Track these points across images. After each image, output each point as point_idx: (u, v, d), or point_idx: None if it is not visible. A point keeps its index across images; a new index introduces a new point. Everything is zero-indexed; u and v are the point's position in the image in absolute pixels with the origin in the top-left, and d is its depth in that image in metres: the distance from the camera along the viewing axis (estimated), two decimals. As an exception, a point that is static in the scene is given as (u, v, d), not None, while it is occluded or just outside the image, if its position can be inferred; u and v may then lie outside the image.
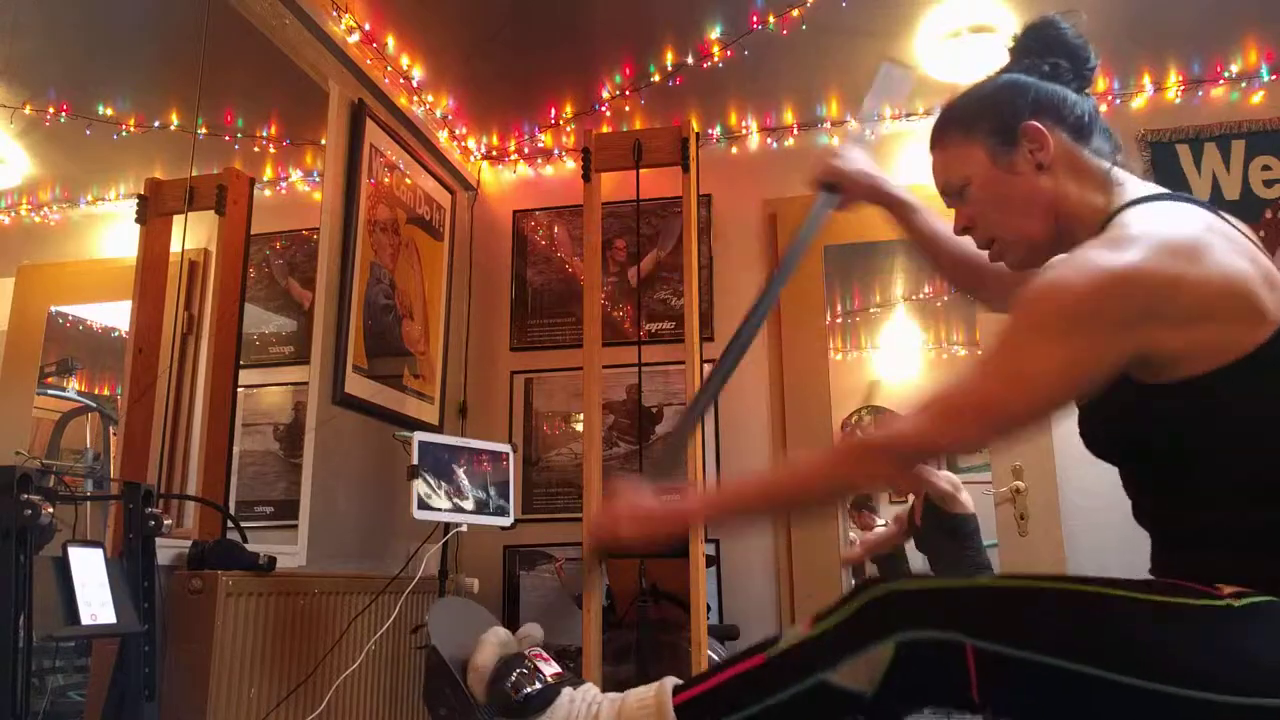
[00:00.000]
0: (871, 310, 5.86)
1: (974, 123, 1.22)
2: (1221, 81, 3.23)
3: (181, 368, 2.40)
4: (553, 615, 3.10)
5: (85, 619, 1.45)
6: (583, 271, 3.16)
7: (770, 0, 2.90)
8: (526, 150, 3.70)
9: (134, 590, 1.64)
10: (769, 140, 3.55)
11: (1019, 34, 1.30)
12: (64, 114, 2.31)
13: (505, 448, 2.68)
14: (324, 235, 2.76)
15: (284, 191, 2.94)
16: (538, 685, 1.13)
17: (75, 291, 2.48)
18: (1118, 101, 3.30)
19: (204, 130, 2.51)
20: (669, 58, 3.17)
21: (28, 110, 2.22)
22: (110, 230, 2.46)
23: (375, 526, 2.91)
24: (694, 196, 2.74)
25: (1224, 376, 1.00)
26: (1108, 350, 0.99)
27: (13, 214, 2.32)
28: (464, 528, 2.55)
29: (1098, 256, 1.01)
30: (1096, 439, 1.14)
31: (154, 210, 2.34)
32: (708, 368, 3.35)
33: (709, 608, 2.62)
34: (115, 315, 2.42)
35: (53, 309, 2.38)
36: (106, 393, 2.44)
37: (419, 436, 2.45)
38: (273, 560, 2.13)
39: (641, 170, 2.79)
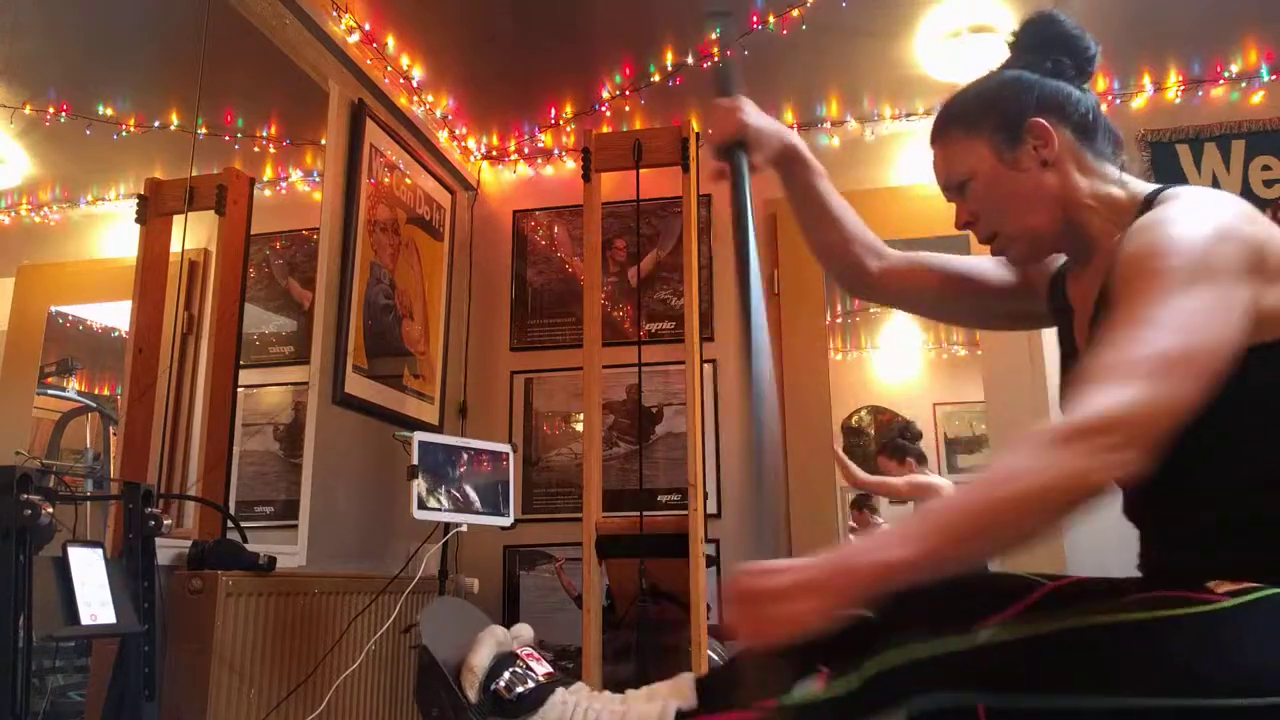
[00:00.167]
0: (871, 310, 5.86)
1: (978, 118, 1.23)
2: (1221, 81, 3.23)
3: (181, 368, 2.40)
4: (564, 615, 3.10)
5: (85, 619, 1.45)
6: (583, 271, 3.16)
7: (770, 0, 2.90)
8: (526, 150, 3.70)
9: (134, 590, 1.64)
10: (769, 140, 3.54)
11: (1018, 31, 1.31)
12: (64, 114, 2.31)
13: (505, 448, 2.68)
14: (324, 235, 2.76)
15: (284, 191, 2.94)
16: (530, 685, 1.13)
17: (75, 291, 2.48)
18: (1118, 101, 3.30)
19: (204, 130, 2.51)
20: (669, 58, 3.17)
21: (28, 110, 2.22)
22: (110, 230, 2.45)
23: (375, 526, 2.91)
24: (694, 196, 2.74)
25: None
26: (1240, 295, 0.97)
27: (13, 214, 2.32)
28: (464, 528, 2.55)
29: (1186, 217, 1.02)
30: None
31: (154, 210, 2.34)
32: (708, 368, 3.37)
33: (709, 608, 2.62)
34: (115, 315, 2.42)
35: (53, 309, 2.38)
36: (106, 393, 2.44)
37: (419, 436, 2.45)
38: (273, 560, 2.13)
39: (641, 170, 2.78)
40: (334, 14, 2.78)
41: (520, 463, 3.42)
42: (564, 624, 3.08)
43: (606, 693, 1.16)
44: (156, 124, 2.53)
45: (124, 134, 2.44)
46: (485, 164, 3.77)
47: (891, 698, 0.97)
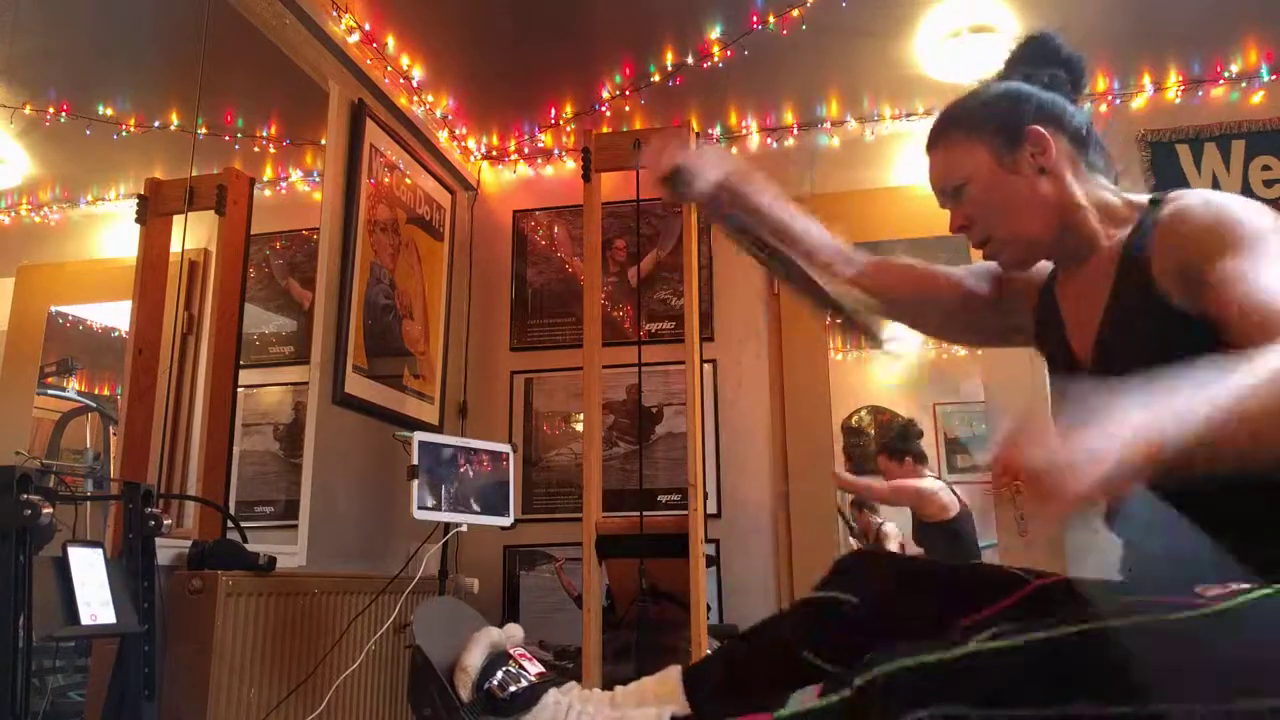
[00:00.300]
0: (872, 310, 5.85)
1: (977, 124, 1.24)
2: (1221, 81, 3.23)
3: (181, 368, 2.40)
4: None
5: (85, 619, 1.45)
6: (583, 271, 3.16)
7: (770, 0, 2.90)
8: (526, 150, 3.70)
9: (134, 590, 1.64)
10: (769, 140, 3.55)
11: (1017, 46, 1.32)
12: (64, 114, 2.31)
13: (505, 448, 2.68)
14: (324, 235, 2.76)
15: (284, 191, 2.94)
16: (523, 684, 1.13)
17: (75, 291, 2.48)
18: (1118, 101, 3.30)
19: (204, 130, 2.51)
20: (669, 58, 3.17)
21: (28, 110, 2.22)
22: (110, 230, 2.46)
23: (375, 526, 2.91)
24: (694, 196, 2.74)
25: None
26: None
27: (13, 214, 2.32)
28: (464, 528, 2.55)
29: (1237, 201, 1.09)
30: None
31: (154, 210, 2.34)
32: (708, 368, 3.37)
33: (709, 608, 2.62)
34: (115, 315, 2.42)
35: (53, 309, 2.38)
36: (106, 393, 2.44)
37: (419, 436, 2.45)
38: (273, 560, 2.13)
39: (641, 170, 2.79)
40: (334, 14, 2.78)
41: (520, 463, 3.42)
42: (564, 624, 3.09)
43: (598, 692, 1.16)
44: (156, 124, 2.53)
45: (124, 134, 2.45)
46: (485, 164, 3.77)
47: (885, 712, 0.97)
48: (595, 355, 2.71)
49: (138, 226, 2.33)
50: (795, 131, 3.52)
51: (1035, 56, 1.29)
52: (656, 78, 3.24)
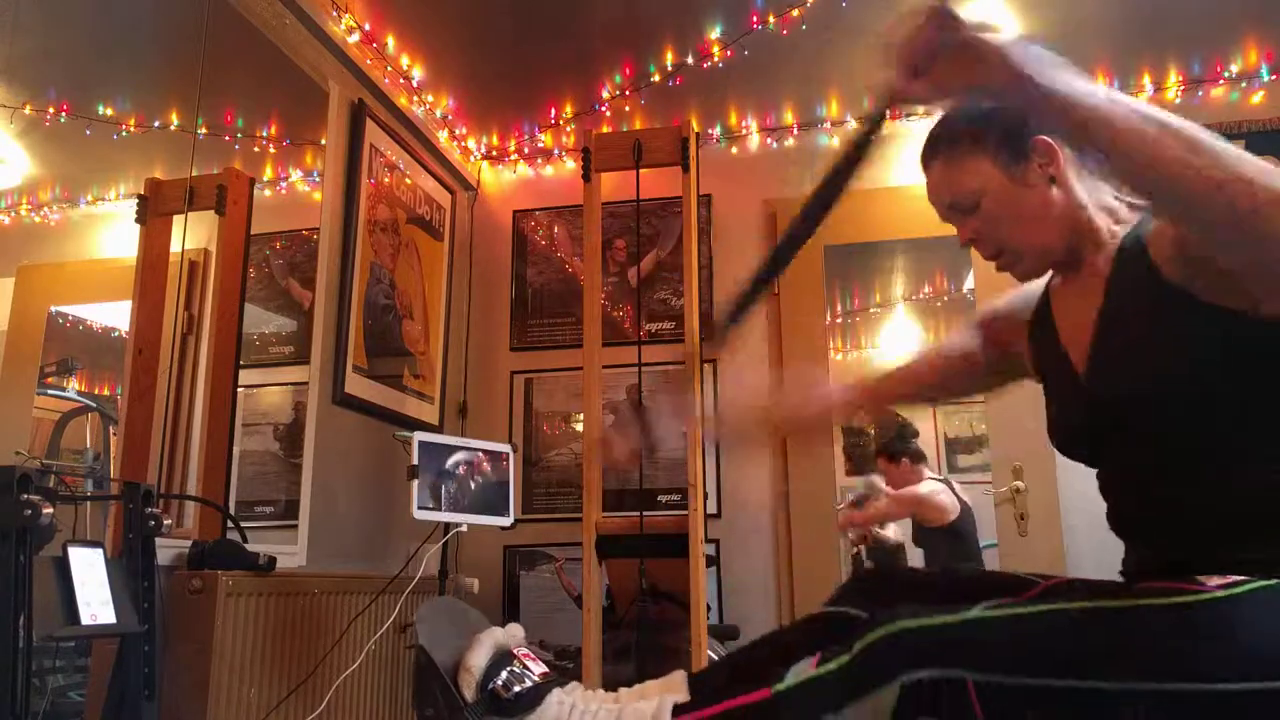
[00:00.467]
0: (871, 310, 5.86)
1: (980, 138, 1.23)
2: (1221, 81, 3.23)
3: (181, 368, 2.40)
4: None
5: (85, 619, 1.45)
6: (583, 271, 3.16)
7: (770, 0, 2.90)
8: (526, 150, 3.70)
9: (134, 590, 1.64)
10: (769, 140, 3.55)
11: None
12: (64, 114, 2.31)
13: (505, 448, 2.68)
14: (324, 235, 2.76)
15: (284, 191, 2.94)
16: (527, 684, 1.13)
17: (75, 291, 2.48)
18: (1118, 101, 3.30)
19: (204, 130, 2.51)
20: (669, 58, 3.17)
21: (28, 110, 2.22)
22: (110, 230, 2.45)
23: (375, 526, 2.91)
24: (694, 196, 2.74)
25: None
26: None
27: (13, 214, 2.32)
28: (464, 528, 2.55)
29: None
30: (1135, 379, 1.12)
31: (154, 210, 2.34)
32: (708, 368, 3.37)
33: (709, 608, 2.62)
34: (115, 315, 2.42)
35: (53, 309, 2.38)
36: (106, 393, 2.44)
37: (419, 436, 2.45)
38: (273, 560, 2.13)
39: (641, 170, 2.79)
40: (334, 14, 2.78)
41: (520, 463, 3.42)
42: (564, 624, 3.08)
43: (601, 692, 1.16)
44: (156, 124, 2.52)
45: (124, 134, 2.44)
46: (485, 164, 3.77)
47: (884, 671, 0.99)
48: (595, 355, 2.71)
49: (138, 226, 2.33)
50: (795, 131, 3.52)
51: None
52: (656, 78, 3.24)
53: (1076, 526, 2.97)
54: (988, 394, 1.54)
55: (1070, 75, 0.97)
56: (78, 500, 1.93)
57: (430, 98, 3.35)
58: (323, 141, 2.82)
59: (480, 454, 2.60)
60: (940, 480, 4.08)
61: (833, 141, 3.50)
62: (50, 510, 1.39)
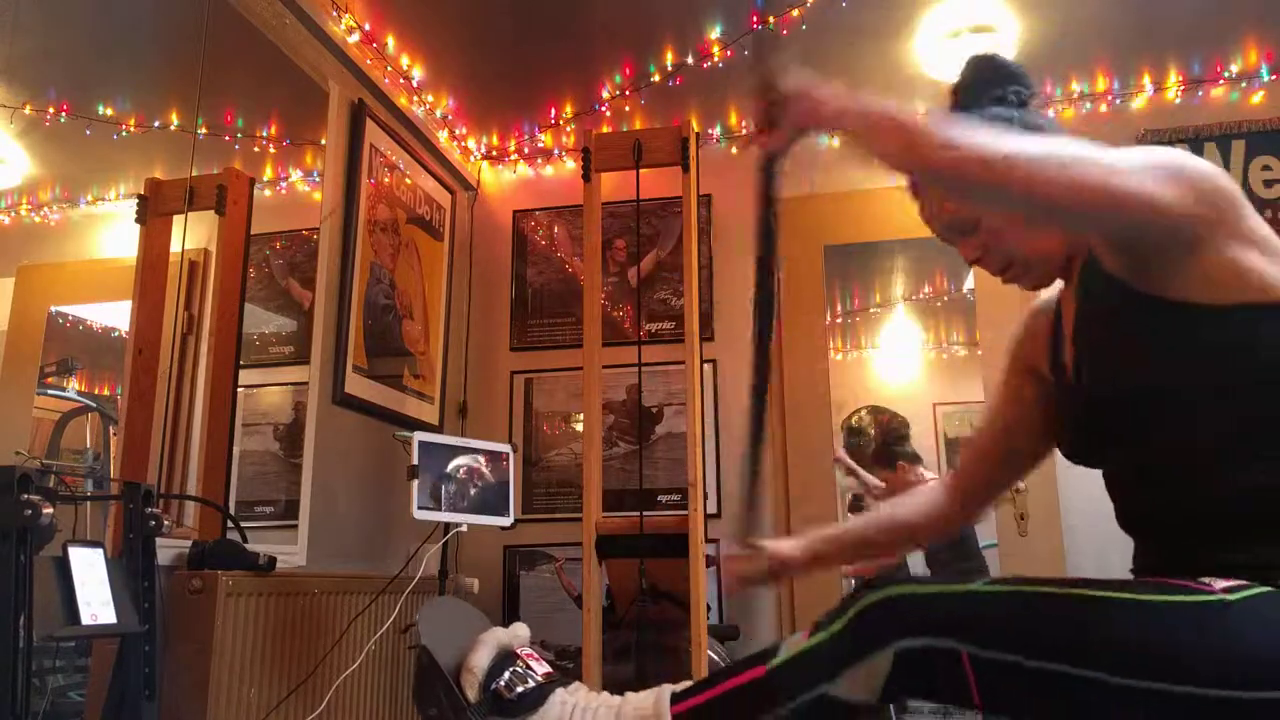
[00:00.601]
0: (871, 310, 5.86)
1: None
2: (1221, 81, 3.23)
3: (181, 368, 2.40)
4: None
5: (85, 619, 1.45)
6: (583, 271, 3.16)
7: (770, 0, 2.89)
8: (526, 150, 3.70)
9: (134, 590, 1.64)
10: (769, 140, 3.54)
11: (967, 72, 1.31)
12: (64, 114, 2.31)
13: (505, 448, 2.68)
14: (324, 235, 2.76)
15: (284, 191, 2.93)
16: (530, 684, 1.13)
17: (75, 291, 2.48)
18: (1118, 101, 3.30)
19: (204, 130, 2.51)
20: (669, 58, 3.17)
21: (28, 110, 2.22)
22: (110, 230, 2.45)
23: (375, 526, 2.91)
24: (694, 196, 2.74)
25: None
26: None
27: (13, 214, 2.32)
28: (464, 528, 2.55)
29: None
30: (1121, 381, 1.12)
31: (154, 210, 2.34)
32: (708, 368, 3.37)
33: (709, 608, 2.62)
34: (115, 315, 2.42)
35: (53, 309, 2.38)
36: (106, 393, 2.44)
37: (419, 436, 2.45)
38: (273, 560, 2.13)
39: (641, 170, 2.78)
40: (334, 14, 2.78)
41: (520, 463, 3.42)
42: (564, 624, 3.08)
43: (605, 694, 1.16)
44: (156, 124, 2.52)
45: (124, 134, 2.44)
46: (485, 164, 3.77)
47: (877, 637, 0.99)
48: (595, 355, 2.71)
49: (138, 226, 2.32)
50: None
51: (992, 77, 1.28)
52: (656, 78, 3.24)
53: (1076, 526, 2.97)
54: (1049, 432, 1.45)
55: (895, 105, 1.11)
56: (78, 500, 1.93)
57: (430, 98, 3.35)
58: (323, 141, 2.82)
59: (480, 454, 2.60)
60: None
61: (833, 141, 3.50)
62: (50, 510, 1.39)
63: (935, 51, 3.06)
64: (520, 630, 1.23)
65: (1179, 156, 1.05)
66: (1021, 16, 2.91)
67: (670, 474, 3.33)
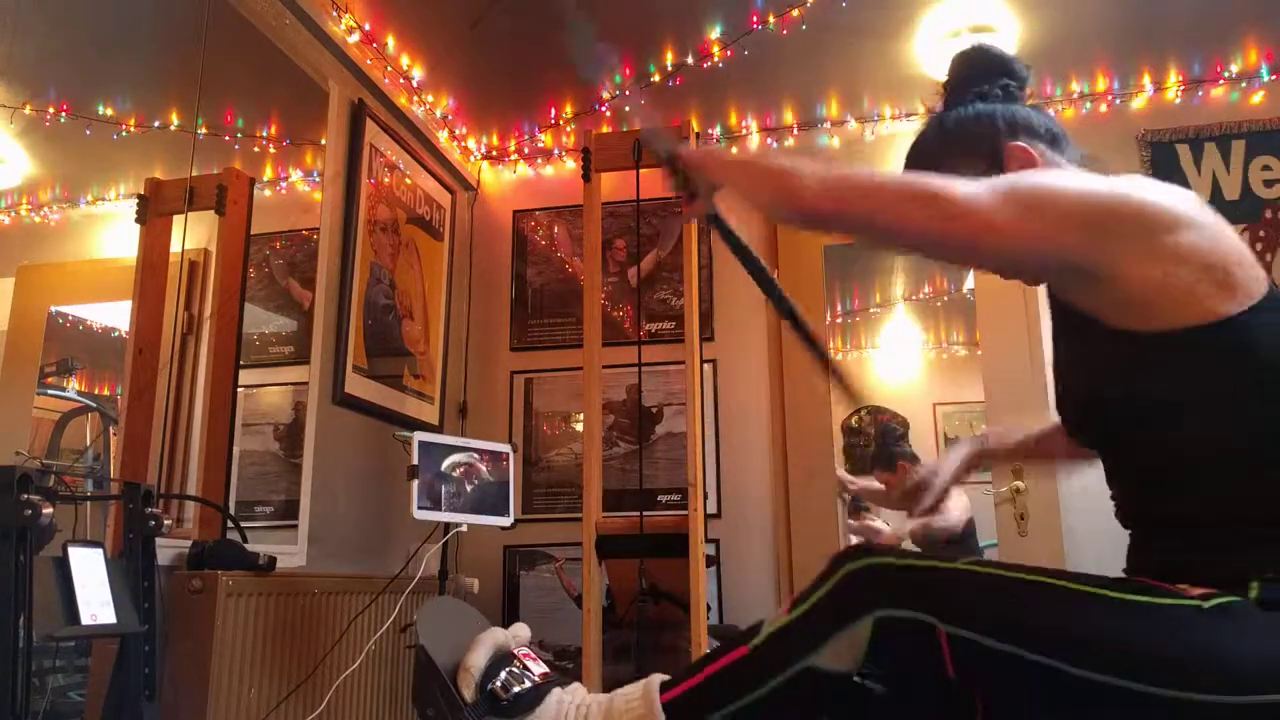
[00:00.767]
0: (871, 310, 5.87)
1: (955, 156, 1.22)
2: (1221, 81, 3.23)
3: (181, 368, 2.40)
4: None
5: (85, 619, 1.45)
6: (583, 271, 3.16)
7: (770, 0, 2.90)
8: (526, 150, 3.70)
9: (134, 590, 1.64)
10: (769, 140, 3.55)
11: (958, 66, 1.31)
12: (64, 114, 2.31)
13: (505, 448, 2.68)
14: (324, 235, 2.76)
15: (284, 191, 2.94)
16: (526, 685, 1.13)
17: (75, 291, 2.48)
18: (1118, 101, 3.30)
19: (204, 130, 2.51)
20: (669, 58, 3.17)
21: (28, 110, 2.22)
22: (110, 230, 2.45)
23: (375, 526, 2.91)
24: (694, 196, 2.74)
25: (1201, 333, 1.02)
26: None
27: (13, 214, 2.32)
28: (464, 528, 2.55)
29: None
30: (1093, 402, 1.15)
31: (154, 210, 2.34)
32: (708, 368, 3.37)
33: (709, 608, 2.62)
34: (115, 315, 2.42)
35: (53, 309, 2.38)
36: (106, 393, 2.44)
37: (419, 436, 2.45)
38: (273, 560, 2.13)
39: (641, 170, 2.79)
40: (334, 14, 2.78)
41: (520, 463, 3.42)
42: (564, 624, 3.08)
43: (603, 695, 1.16)
44: (156, 124, 2.53)
45: (124, 134, 2.44)
46: (485, 164, 3.77)
47: (858, 605, 0.99)
48: (595, 355, 2.71)
49: (138, 226, 2.33)
50: (795, 131, 3.52)
51: (982, 71, 1.28)
52: (656, 78, 3.24)
53: (1076, 527, 2.97)
54: None
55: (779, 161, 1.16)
56: (78, 500, 1.93)
57: (430, 98, 3.35)
58: (323, 141, 2.82)
59: (480, 454, 2.60)
60: None
61: (833, 141, 3.51)
62: (50, 510, 1.39)
63: (935, 51, 3.06)
64: (520, 630, 1.23)
65: (1045, 183, 1.06)
66: (1021, 16, 2.91)
67: (670, 474, 3.33)
